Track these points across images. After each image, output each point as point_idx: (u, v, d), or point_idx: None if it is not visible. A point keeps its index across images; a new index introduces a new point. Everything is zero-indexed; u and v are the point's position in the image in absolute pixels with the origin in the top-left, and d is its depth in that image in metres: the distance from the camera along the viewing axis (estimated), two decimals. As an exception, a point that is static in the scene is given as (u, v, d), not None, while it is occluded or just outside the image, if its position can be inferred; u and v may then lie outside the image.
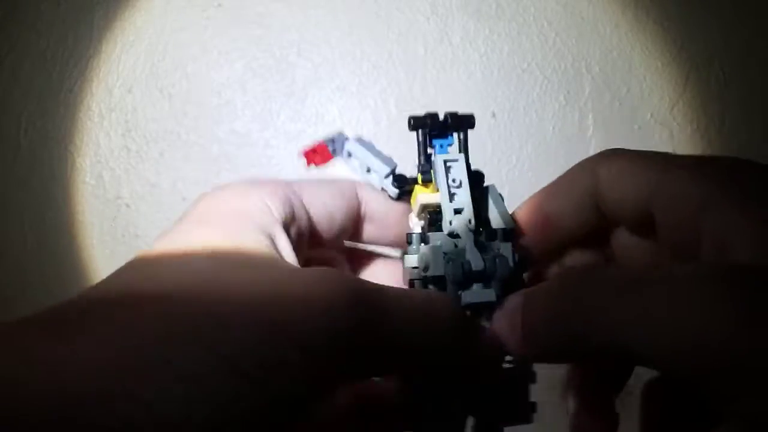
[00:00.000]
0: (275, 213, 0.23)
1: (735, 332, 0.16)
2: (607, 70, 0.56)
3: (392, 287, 0.21)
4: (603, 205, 0.25)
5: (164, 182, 0.57)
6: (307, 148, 0.28)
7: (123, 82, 0.57)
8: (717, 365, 0.16)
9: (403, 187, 0.27)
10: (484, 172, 0.27)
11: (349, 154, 0.28)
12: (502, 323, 0.23)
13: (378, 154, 0.28)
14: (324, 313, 0.18)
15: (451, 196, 0.25)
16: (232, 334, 0.16)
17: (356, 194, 0.28)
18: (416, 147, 0.26)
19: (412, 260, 0.25)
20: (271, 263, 0.21)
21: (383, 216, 0.28)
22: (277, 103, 0.57)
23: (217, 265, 0.19)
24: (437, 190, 0.25)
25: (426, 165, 0.26)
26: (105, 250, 0.58)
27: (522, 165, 0.55)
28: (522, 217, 0.27)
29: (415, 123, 0.26)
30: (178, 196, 0.57)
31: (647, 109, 0.56)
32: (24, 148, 0.57)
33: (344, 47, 0.56)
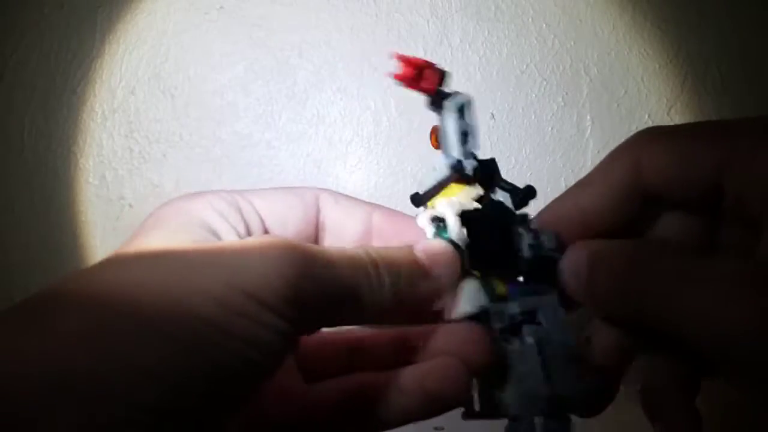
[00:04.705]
0: (218, 210, 0.25)
1: (757, 330, 0.18)
2: (605, 72, 0.56)
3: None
4: (654, 188, 0.24)
5: (167, 183, 0.58)
6: (417, 61, 0.26)
7: (126, 83, 0.57)
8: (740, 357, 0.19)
9: (477, 171, 0.27)
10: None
11: (461, 112, 0.28)
12: (567, 272, 0.24)
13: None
14: (270, 264, 0.20)
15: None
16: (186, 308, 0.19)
17: (316, 202, 0.28)
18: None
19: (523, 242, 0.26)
20: (200, 245, 0.23)
21: (339, 227, 0.28)
22: (279, 104, 0.57)
23: (159, 261, 0.22)
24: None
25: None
26: (108, 250, 0.58)
27: (521, 166, 0.56)
28: (555, 214, 0.26)
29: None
30: (180, 196, 0.58)
31: (645, 111, 0.56)
32: (27, 149, 0.58)
33: (345, 49, 0.56)
